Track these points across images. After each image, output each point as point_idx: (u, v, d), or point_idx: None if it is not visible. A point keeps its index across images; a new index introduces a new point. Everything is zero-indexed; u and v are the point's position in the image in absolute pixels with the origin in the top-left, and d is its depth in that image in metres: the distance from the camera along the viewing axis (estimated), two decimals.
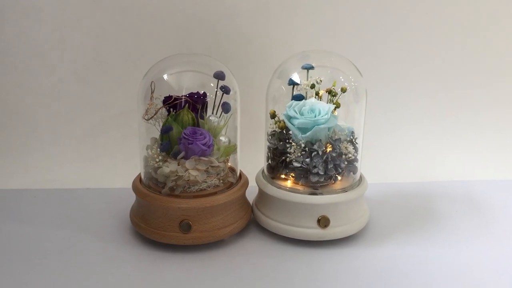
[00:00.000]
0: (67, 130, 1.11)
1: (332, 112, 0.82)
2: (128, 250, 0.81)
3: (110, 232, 0.86)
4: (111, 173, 1.09)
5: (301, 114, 0.81)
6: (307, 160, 0.81)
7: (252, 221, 0.88)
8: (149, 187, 0.83)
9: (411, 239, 0.85)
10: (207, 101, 0.83)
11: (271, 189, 0.84)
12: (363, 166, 0.88)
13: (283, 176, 0.85)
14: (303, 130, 0.81)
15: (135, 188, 0.84)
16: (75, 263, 0.77)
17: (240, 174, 0.88)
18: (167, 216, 0.80)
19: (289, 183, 0.84)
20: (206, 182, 0.82)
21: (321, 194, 0.82)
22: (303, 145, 0.81)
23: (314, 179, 0.81)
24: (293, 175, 0.83)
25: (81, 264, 0.77)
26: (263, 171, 0.90)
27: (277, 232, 0.84)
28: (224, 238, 0.82)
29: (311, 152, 0.81)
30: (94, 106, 1.11)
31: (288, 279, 0.75)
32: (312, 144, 0.81)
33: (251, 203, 0.90)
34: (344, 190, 0.83)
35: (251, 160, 0.94)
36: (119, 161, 1.11)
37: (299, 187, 0.83)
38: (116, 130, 1.11)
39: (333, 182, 0.83)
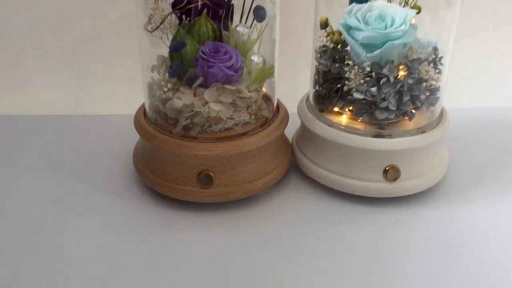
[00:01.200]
0: (53, 39, 0.87)
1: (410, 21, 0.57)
2: (131, 205, 0.62)
3: (110, 178, 0.67)
4: (109, 96, 0.87)
5: (366, 24, 0.57)
6: (373, 89, 0.58)
7: (292, 166, 0.67)
8: (157, 124, 0.62)
9: (502, 196, 0.64)
10: (233, 5, 0.59)
11: (320, 127, 0.62)
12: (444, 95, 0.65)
13: (336, 109, 0.63)
14: (369, 47, 0.57)
15: (137, 125, 0.63)
16: (65, 221, 0.59)
17: (277, 105, 0.66)
18: (180, 166, 0.59)
19: (344, 119, 0.62)
20: (232, 119, 0.60)
21: (390, 136, 0.59)
22: (368, 69, 0.58)
23: (381, 115, 0.59)
24: (352, 109, 0.61)
25: (72, 223, 0.58)
26: (307, 99, 0.68)
27: (328, 184, 0.63)
28: (256, 193, 0.62)
29: (379, 79, 0.58)
30: (86, 7, 0.86)
31: (342, 247, 0.56)
32: (381, 67, 0.57)
33: (290, 141, 0.69)
34: (420, 130, 0.61)
35: (291, 85, 0.71)
36: (119, 79, 0.88)
37: (359, 125, 0.61)
38: (115, 39, 0.87)
39: (405, 119, 0.61)
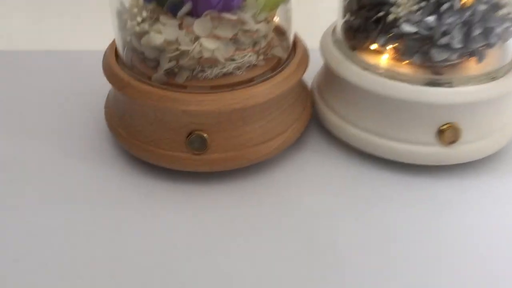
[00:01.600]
0: None
1: None
2: (104, 172, 0.47)
3: (77, 135, 0.51)
4: (77, 27, 0.70)
5: None
6: (430, 19, 0.41)
7: (312, 121, 0.52)
8: (132, 67, 0.46)
9: None
10: None
11: (352, 72, 0.46)
12: None
13: (375, 46, 0.46)
14: None
15: (107, 69, 0.47)
16: (24, 193, 0.44)
17: (294, 41, 0.49)
18: (164, 125, 0.44)
19: (386, 61, 0.46)
20: (233, 60, 0.44)
21: (449, 84, 0.43)
22: None
23: (440, 56, 0.42)
24: (398, 47, 0.44)
25: (31, 196, 0.44)
26: (333, 32, 0.51)
27: (361, 147, 0.48)
28: (265, 160, 0.47)
29: (439, 5, 0.41)
30: None
31: (379, 229, 0.42)
32: None
33: (309, 87, 0.53)
34: (490, 76, 0.44)
35: (311, 13, 0.54)
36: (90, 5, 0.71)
37: (407, 69, 0.44)
38: None
39: (470, 61, 0.44)
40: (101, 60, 0.48)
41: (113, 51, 0.48)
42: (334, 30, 0.51)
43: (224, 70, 0.44)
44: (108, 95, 0.51)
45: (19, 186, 0.46)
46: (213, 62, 0.43)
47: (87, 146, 0.50)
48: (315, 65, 0.52)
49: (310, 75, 0.53)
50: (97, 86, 0.56)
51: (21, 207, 0.43)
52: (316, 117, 0.52)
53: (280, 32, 0.49)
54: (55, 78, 0.60)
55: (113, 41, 0.49)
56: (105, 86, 0.49)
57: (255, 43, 0.45)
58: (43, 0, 0.71)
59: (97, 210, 0.43)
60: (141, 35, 0.43)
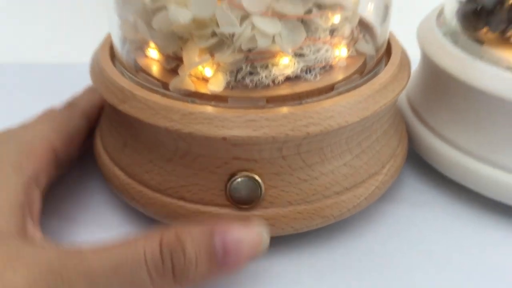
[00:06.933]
0: None
1: None
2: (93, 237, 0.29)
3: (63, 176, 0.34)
4: (56, 38, 0.53)
5: None
6: None
7: (411, 160, 0.34)
8: (137, 71, 0.29)
9: None
10: None
11: (487, 77, 0.29)
12: None
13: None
14: None
15: (98, 74, 0.30)
16: None
17: (389, 38, 0.32)
18: (191, 161, 0.26)
19: None
20: (302, 56, 0.27)
21: None
22: None
23: None
24: None
25: None
26: (438, 17, 0.34)
27: (500, 198, 0.30)
28: (350, 215, 0.29)
29: None
30: None
31: None
32: None
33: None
34: None
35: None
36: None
37: None
38: None
39: None
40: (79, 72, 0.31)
41: (106, 49, 0.31)
42: (440, 16, 0.34)
43: (289, 71, 0.27)
44: (100, 118, 0.34)
45: None
46: (272, 56, 0.26)
47: (73, 188, 0.33)
48: None
49: None
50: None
51: None
52: (412, 149, 0.34)
53: (365, 22, 0.32)
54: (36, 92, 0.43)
55: (105, 39, 0.33)
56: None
57: (334, 30, 0.28)
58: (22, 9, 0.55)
59: None
60: (153, 12, 0.26)
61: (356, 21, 0.29)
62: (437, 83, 0.33)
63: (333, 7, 0.27)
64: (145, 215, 0.29)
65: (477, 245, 0.29)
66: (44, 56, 0.50)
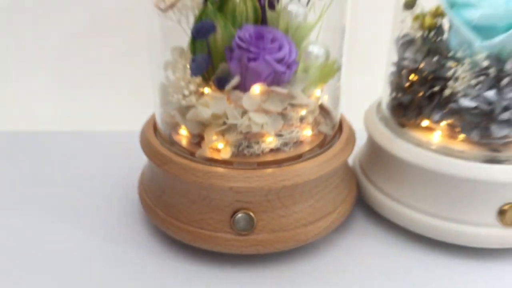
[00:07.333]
0: (36, 36, 0.69)
1: None
2: (137, 257, 0.43)
3: (106, 218, 0.48)
4: (107, 107, 0.69)
5: None
6: (490, 94, 0.40)
7: (358, 203, 0.49)
8: (172, 143, 0.44)
9: None
10: None
11: (403, 149, 0.44)
12: None
13: (425, 123, 0.44)
14: (485, 32, 0.39)
15: (145, 143, 0.45)
16: (54, 278, 0.40)
17: (341, 120, 0.48)
18: (207, 203, 0.41)
19: (437, 138, 0.44)
20: (281, 136, 0.42)
21: (510, 161, 0.41)
22: (484, 63, 0.39)
23: (501, 132, 0.40)
24: (456, 122, 0.42)
25: (63, 280, 0.40)
26: (378, 108, 0.50)
27: (413, 229, 0.45)
28: (314, 241, 0.43)
29: (500, 79, 0.40)
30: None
31: None
32: (502, 62, 0.40)
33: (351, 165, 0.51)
34: None
35: (352, 89, 0.53)
36: (120, 87, 0.70)
37: (462, 146, 0.42)
38: (113, 35, 0.69)
39: None
40: (127, 140, 0.46)
41: (151, 127, 0.46)
42: (379, 107, 0.49)
43: (272, 145, 0.42)
44: (142, 173, 0.48)
45: (49, 269, 0.42)
46: (261, 137, 0.41)
47: (119, 229, 0.47)
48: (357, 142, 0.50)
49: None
50: (127, 166, 0.54)
51: None
52: (361, 198, 0.49)
53: (325, 110, 0.47)
54: (83, 158, 0.58)
55: (151, 118, 0.48)
56: (135, 167, 0.46)
57: (302, 119, 0.43)
58: (71, 79, 0.70)
59: None
60: (186, 109, 0.41)
61: (317, 113, 0.44)
62: (376, 152, 0.47)
63: (301, 105, 0.42)
64: (175, 240, 0.43)
65: (404, 264, 0.43)
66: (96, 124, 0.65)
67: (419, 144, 0.44)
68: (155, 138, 0.45)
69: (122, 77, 0.69)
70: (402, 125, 0.46)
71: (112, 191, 0.52)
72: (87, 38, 0.68)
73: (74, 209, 0.49)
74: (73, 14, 0.68)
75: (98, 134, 0.63)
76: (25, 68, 0.69)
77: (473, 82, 0.40)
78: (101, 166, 0.56)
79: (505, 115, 0.40)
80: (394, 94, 0.46)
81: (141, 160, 0.48)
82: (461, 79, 0.40)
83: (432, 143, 0.43)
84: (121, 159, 0.56)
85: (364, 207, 0.49)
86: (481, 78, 0.40)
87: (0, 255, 0.43)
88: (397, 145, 0.44)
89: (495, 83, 0.40)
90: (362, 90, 0.54)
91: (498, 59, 0.39)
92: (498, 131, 0.40)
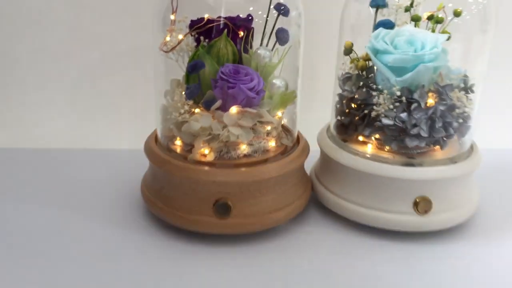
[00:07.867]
0: (57, 71, 0.84)
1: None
2: (140, 239, 0.56)
3: (115, 212, 0.61)
4: (116, 130, 0.83)
5: (395, 48, 0.55)
6: (403, 115, 0.55)
7: (312, 202, 0.63)
8: (170, 150, 0.58)
9: None
10: (253, 28, 0.57)
11: (345, 157, 0.58)
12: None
13: (361, 139, 0.59)
14: (399, 71, 0.55)
15: (149, 151, 0.59)
16: (68, 256, 0.53)
17: (298, 135, 0.62)
18: (195, 194, 0.55)
19: (369, 149, 0.58)
20: (252, 145, 0.56)
21: (420, 165, 0.56)
22: (398, 93, 0.55)
23: (412, 143, 0.55)
24: (379, 137, 0.57)
25: (77, 259, 0.53)
26: (328, 129, 0.64)
27: (351, 218, 0.59)
28: (276, 226, 0.57)
29: (410, 104, 0.55)
30: (93, 38, 0.83)
31: (367, 286, 0.51)
32: (411, 92, 0.55)
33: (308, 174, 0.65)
34: (452, 160, 0.57)
35: (308, 115, 0.68)
36: (127, 113, 0.84)
37: (387, 155, 0.57)
38: (123, 71, 0.84)
39: (435, 149, 0.58)
40: (129, 156, 0.60)
41: (153, 139, 0.60)
42: (328, 128, 0.64)
43: (245, 152, 0.56)
44: (144, 176, 0.62)
45: (71, 251, 0.55)
46: (236, 145, 0.55)
47: (124, 218, 0.60)
48: (313, 159, 0.65)
49: (309, 167, 0.65)
50: (128, 177, 0.68)
51: (70, 270, 0.52)
52: (315, 198, 0.63)
53: (285, 129, 0.62)
54: (96, 170, 0.72)
55: (152, 133, 0.62)
56: (136, 176, 0.61)
57: (268, 133, 0.57)
58: (85, 106, 0.84)
59: (136, 268, 0.52)
60: (181, 124, 0.55)
61: (280, 129, 0.59)
62: (326, 161, 0.62)
63: (267, 122, 0.56)
64: (170, 225, 0.57)
65: (345, 244, 0.57)
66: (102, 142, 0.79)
67: (357, 153, 0.58)
68: (156, 147, 0.58)
69: (127, 109, 0.84)
70: (345, 140, 0.60)
71: (120, 194, 0.65)
72: (100, 73, 0.83)
73: (91, 206, 0.62)
74: (88, 56, 0.82)
75: (108, 151, 0.77)
76: (47, 95, 0.83)
77: (391, 106, 0.55)
78: (110, 175, 0.70)
79: (414, 130, 0.54)
80: (338, 117, 0.61)
81: (141, 170, 0.62)
82: (383, 105, 0.55)
83: (366, 152, 0.58)
84: (126, 171, 0.70)
85: (317, 204, 0.63)
86: (397, 104, 0.55)
87: (28, 242, 0.56)
88: (341, 155, 0.59)
89: (407, 107, 0.54)
90: (316, 118, 0.69)
91: (408, 90, 0.54)
92: (410, 142, 0.55)
